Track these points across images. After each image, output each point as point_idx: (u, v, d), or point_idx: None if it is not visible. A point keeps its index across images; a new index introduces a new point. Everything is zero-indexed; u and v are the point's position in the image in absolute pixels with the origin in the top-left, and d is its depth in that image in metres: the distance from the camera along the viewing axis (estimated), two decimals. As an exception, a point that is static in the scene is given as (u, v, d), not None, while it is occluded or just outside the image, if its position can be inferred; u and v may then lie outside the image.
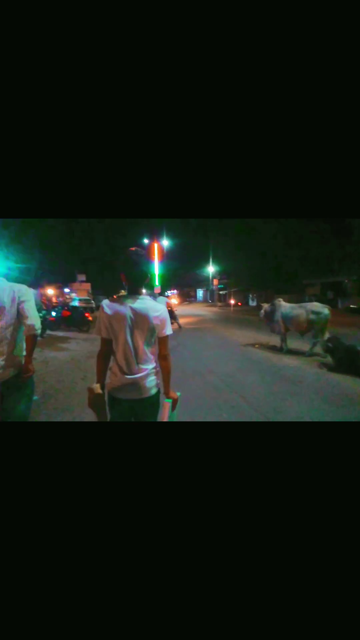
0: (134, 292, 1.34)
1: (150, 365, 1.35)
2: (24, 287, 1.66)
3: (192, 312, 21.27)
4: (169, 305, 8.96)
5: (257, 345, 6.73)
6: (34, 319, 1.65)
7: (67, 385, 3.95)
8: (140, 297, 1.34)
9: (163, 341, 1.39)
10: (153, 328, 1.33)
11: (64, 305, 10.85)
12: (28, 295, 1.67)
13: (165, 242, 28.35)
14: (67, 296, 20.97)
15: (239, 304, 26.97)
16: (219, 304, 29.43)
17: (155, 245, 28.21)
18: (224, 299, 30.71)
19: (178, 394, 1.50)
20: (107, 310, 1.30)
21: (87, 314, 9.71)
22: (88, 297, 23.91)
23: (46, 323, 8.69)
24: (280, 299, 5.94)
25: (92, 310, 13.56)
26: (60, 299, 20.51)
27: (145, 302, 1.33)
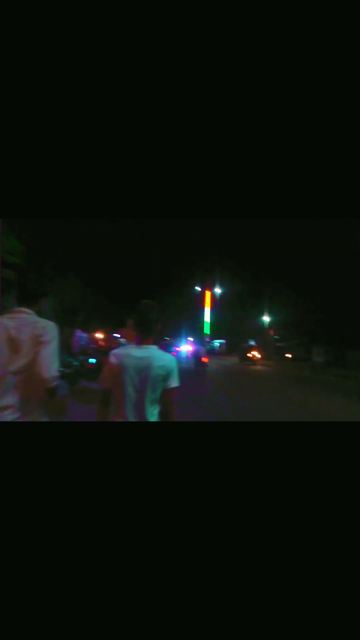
0: (143, 341, 1.32)
1: (153, 420, 1.29)
2: (50, 324, 1.27)
3: (238, 365, 18.77)
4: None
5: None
6: (49, 369, 1.21)
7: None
8: (146, 346, 1.31)
9: (168, 394, 1.31)
10: (156, 379, 1.27)
11: (100, 351, 9.63)
12: (51, 335, 1.25)
13: (218, 290, 27.59)
14: (116, 341, 20.58)
15: (288, 356, 24.12)
16: (274, 357, 26.31)
17: (207, 293, 27.47)
18: (280, 352, 27.49)
19: None
20: (112, 359, 1.29)
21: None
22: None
23: (82, 371, 7.39)
24: None
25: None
26: (109, 344, 20.15)
27: (150, 351, 1.30)
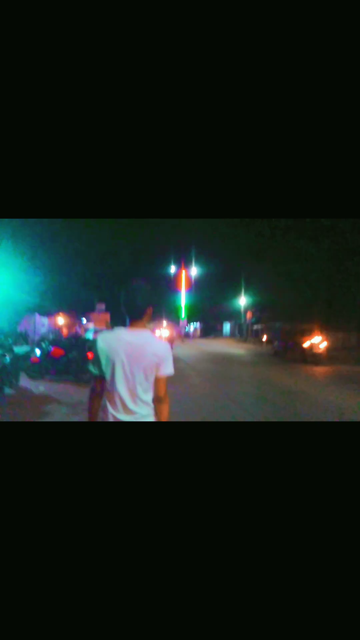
0: (133, 325, 1.23)
1: (146, 408, 1.22)
2: None
3: (218, 349, 17.81)
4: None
5: None
6: None
7: None
8: (139, 330, 1.23)
9: (160, 382, 1.25)
10: (150, 366, 1.20)
11: (57, 340, 7.44)
12: None
13: (194, 271, 26.02)
14: (81, 327, 18.42)
15: (264, 340, 23.13)
16: (250, 340, 25.75)
17: (183, 272, 25.90)
18: (256, 335, 27.02)
19: None
20: (101, 344, 1.21)
21: (89, 354, 6.41)
22: (106, 329, 21.27)
23: (14, 368, 5.48)
24: None
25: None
26: (72, 330, 17.99)
27: (143, 336, 1.22)
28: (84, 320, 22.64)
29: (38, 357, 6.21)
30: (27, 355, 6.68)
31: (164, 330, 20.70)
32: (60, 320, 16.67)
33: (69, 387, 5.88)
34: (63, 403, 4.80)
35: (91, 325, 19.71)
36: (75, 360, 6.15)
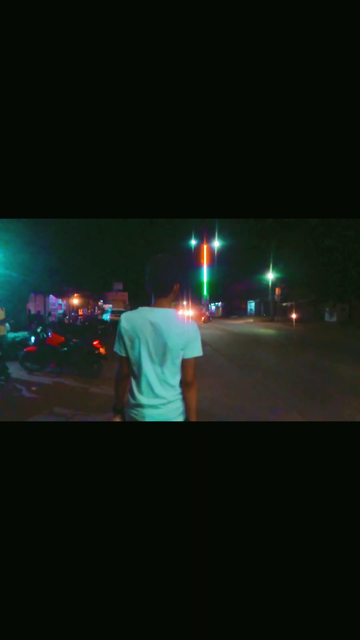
0: (157, 304, 1.14)
1: (173, 392, 1.15)
2: None
3: (245, 329, 16.11)
4: None
5: None
6: None
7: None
8: (164, 309, 1.14)
9: (188, 365, 1.15)
10: (176, 347, 1.11)
11: (62, 322, 6.28)
12: None
13: (217, 244, 23.80)
14: (98, 308, 17.40)
15: (293, 316, 20.74)
16: (278, 318, 23.72)
17: (205, 247, 23.82)
18: (284, 313, 24.89)
19: None
20: (125, 324, 1.13)
21: (96, 343, 4.96)
22: (123, 309, 20.17)
23: (2, 359, 4.42)
24: None
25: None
26: (89, 311, 17.01)
27: (168, 315, 1.12)
28: (101, 301, 21.68)
29: (34, 345, 5.01)
30: (24, 343, 5.56)
31: (187, 311, 19.30)
32: (75, 301, 15.67)
33: (70, 383, 4.67)
34: (59, 405, 3.61)
35: (108, 306, 18.71)
36: (78, 349, 4.89)
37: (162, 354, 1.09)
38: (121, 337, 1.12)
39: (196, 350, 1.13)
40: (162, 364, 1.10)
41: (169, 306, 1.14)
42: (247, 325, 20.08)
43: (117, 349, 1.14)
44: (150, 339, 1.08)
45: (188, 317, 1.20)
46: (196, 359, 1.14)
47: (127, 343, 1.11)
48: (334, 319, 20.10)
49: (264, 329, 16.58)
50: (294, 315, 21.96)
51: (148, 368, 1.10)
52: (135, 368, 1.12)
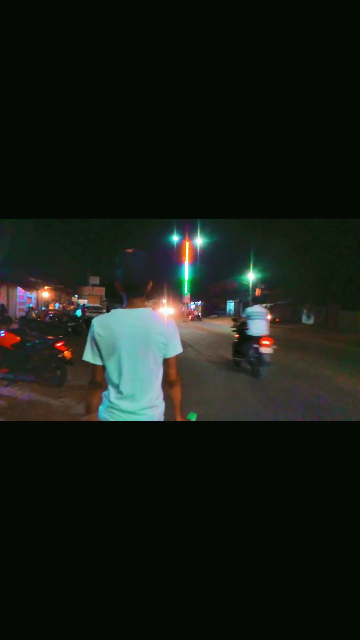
0: (132, 304, 1.08)
1: (153, 395, 1.09)
2: None
3: (226, 330, 15.68)
4: None
5: None
6: None
7: None
8: (141, 310, 1.07)
9: (171, 363, 1.13)
10: (157, 348, 1.07)
11: (27, 317, 5.30)
12: None
13: (199, 241, 23.11)
14: (69, 304, 16.28)
15: (277, 320, 21.01)
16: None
17: (187, 243, 23.26)
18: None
19: (193, 416, 1.26)
20: (99, 331, 1.04)
21: (59, 345, 4.14)
22: (99, 305, 19.09)
23: None
24: None
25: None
26: (61, 306, 15.83)
27: (145, 316, 1.07)
28: (76, 296, 20.46)
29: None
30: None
31: (166, 309, 18.63)
32: (46, 294, 14.46)
33: (24, 394, 3.81)
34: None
35: (83, 301, 17.61)
36: (37, 352, 4.07)
37: (143, 356, 1.04)
38: (96, 345, 1.05)
39: (177, 348, 1.12)
40: (143, 367, 1.05)
41: (144, 305, 1.08)
42: (226, 325, 19.81)
43: (90, 357, 1.07)
44: (131, 343, 1.03)
45: (168, 315, 1.14)
46: (177, 356, 1.13)
47: (104, 351, 1.04)
48: (311, 321, 20.29)
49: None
50: (275, 318, 21.99)
51: (128, 373, 1.04)
52: (113, 375, 1.06)
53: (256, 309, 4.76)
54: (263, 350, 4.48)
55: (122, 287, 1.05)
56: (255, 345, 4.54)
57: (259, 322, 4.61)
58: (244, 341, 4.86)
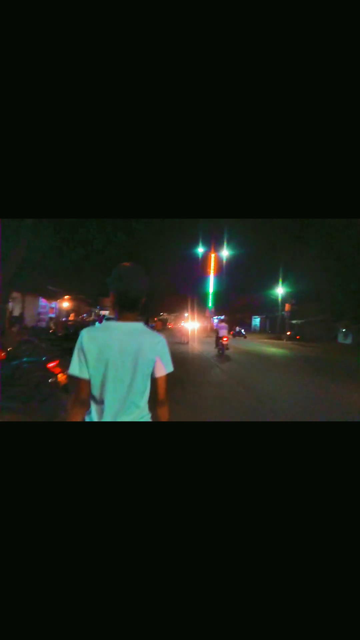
0: (124, 318, 1.06)
1: (138, 414, 1.07)
2: None
3: (255, 347, 14.21)
4: None
5: None
6: None
7: None
8: (132, 324, 1.06)
9: (160, 383, 1.09)
10: (147, 364, 1.05)
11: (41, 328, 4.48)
12: None
13: (225, 253, 22.08)
14: (93, 316, 15.74)
15: (297, 337, 19.20)
16: (284, 337, 21.90)
17: (212, 255, 22.41)
18: (294, 330, 23.09)
19: None
20: (88, 342, 1.01)
21: (52, 365, 3.25)
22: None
23: None
24: None
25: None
26: (84, 318, 15.35)
27: (137, 330, 1.06)
28: (98, 307, 20.06)
29: None
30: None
31: (189, 323, 17.68)
32: (65, 304, 14.01)
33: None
34: None
35: (104, 313, 17.10)
36: (26, 373, 3.20)
37: (131, 373, 1.02)
38: (83, 356, 1.00)
39: (168, 366, 1.09)
40: (130, 383, 1.02)
41: (137, 320, 1.08)
42: (253, 343, 18.33)
43: (77, 370, 1.02)
44: (119, 357, 1.00)
45: (191, 330, 1.11)
46: (167, 376, 1.09)
47: (91, 363, 1.00)
48: (349, 340, 18.36)
49: (276, 348, 14.82)
50: (297, 337, 20.19)
51: (113, 390, 1.01)
52: (97, 391, 1.02)
53: (220, 324, 11.00)
54: (223, 342, 10.24)
55: (118, 301, 1.04)
56: (220, 340, 10.27)
57: (222, 330, 10.43)
58: (217, 339, 10.49)
